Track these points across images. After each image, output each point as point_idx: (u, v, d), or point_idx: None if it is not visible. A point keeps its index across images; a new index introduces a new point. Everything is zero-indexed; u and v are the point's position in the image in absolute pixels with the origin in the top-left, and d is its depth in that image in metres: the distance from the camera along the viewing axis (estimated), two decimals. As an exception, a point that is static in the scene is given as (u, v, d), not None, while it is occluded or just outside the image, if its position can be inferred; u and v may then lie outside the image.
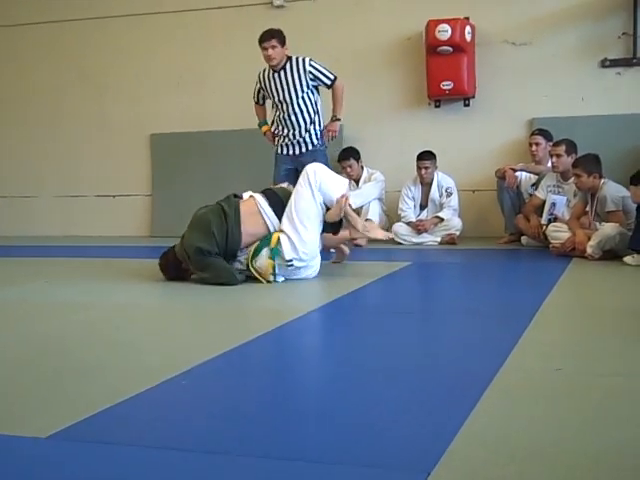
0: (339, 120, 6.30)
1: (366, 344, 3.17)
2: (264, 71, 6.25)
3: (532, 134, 6.60)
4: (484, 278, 5.11)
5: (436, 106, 7.27)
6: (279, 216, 4.61)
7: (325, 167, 4.81)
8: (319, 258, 4.68)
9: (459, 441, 1.92)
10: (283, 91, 6.13)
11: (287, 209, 4.59)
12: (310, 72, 6.10)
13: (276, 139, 6.35)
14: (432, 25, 6.87)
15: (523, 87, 7.04)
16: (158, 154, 8.24)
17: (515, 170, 6.54)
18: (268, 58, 6.06)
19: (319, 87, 6.21)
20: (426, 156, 6.79)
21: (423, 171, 6.80)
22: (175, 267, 4.70)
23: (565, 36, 6.96)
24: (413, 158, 6.83)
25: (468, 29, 6.92)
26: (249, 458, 1.87)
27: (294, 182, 6.14)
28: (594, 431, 2.00)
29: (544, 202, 6.16)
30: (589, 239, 5.39)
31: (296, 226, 4.53)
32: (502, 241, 6.63)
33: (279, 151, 6.34)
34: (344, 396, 2.40)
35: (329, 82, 6.18)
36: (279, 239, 4.53)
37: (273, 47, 6.00)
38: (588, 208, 5.70)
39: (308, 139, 6.21)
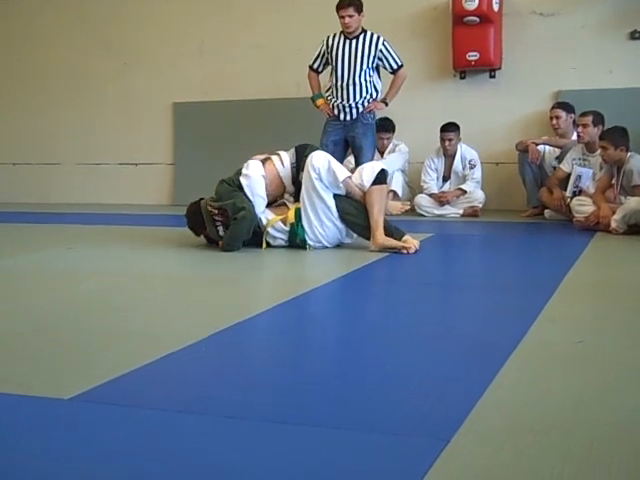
0: (386, 105, 6.27)
1: (387, 314, 3.17)
2: (334, 35, 6.18)
3: (552, 107, 6.52)
4: (506, 251, 5.08)
5: (461, 77, 7.19)
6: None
7: (325, 155, 4.72)
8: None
9: (479, 410, 1.91)
10: (350, 59, 6.08)
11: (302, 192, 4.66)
12: (381, 50, 6.08)
13: (330, 106, 6.27)
14: (459, -6, 6.77)
15: (550, 59, 6.94)
16: (180, 123, 8.24)
17: (537, 144, 6.48)
18: (345, 26, 6.02)
19: (380, 69, 6.18)
20: (450, 128, 6.74)
21: (447, 143, 6.75)
22: (200, 217, 4.73)
23: (594, 6, 6.84)
24: (437, 130, 6.78)
25: (496, -1, 6.82)
26: (267, 423, 1.87)
27: (342, 153, 6.18)
28: (613, 402, 1.99)
29: (569, 175, 6.10)
30: (614, 213, 5.33)
31: (309, 217, 4.64)
32: (525, 214, 6.58)
33: (330, 115, 6.26)
34: (365, 364, 2.40)
35: (395, 66, 6.18)
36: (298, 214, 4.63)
37: (350, 16, 5.98)
38: (614, 181, 5.64)
39: (361, 107, 6.15)
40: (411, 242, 4.50)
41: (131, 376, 2.23)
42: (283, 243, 4.74)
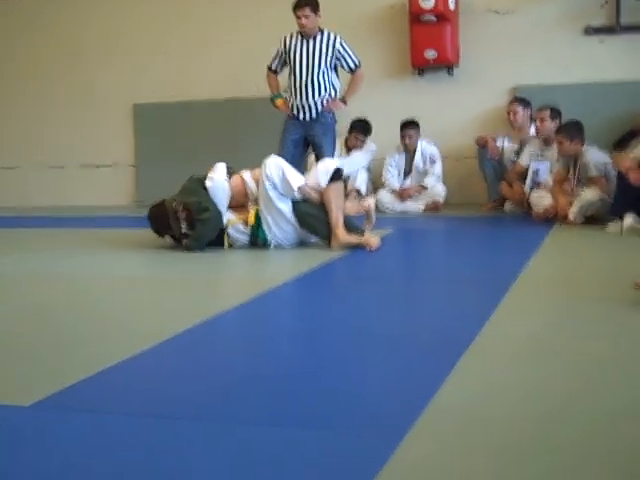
0: (345, 104, 6.28)
1: (348, 311, 3.20)
2: (291, 36, 6.17)
3: (510, 102, 6.62)
4: (467, 245, 5.15)
5: (420, 75, 7.26)
6: None
7: (280, 161, 4.75)
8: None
9: (434, 405, 1.95)
10: (307, 59, 6.07)
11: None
12: (338, 50, 6.07)
13: (289, 106, 6.27)
14: (415, -7, 6.83)
15: (507, 55, 7.02)
16: (141, 124, 8.20)
17: (496, 140, 6.56)
18: (301, 26, 6.03)
19: (338, 69, 6.19)
20: (410, 125, 6.81)
21: (407, 139, 6.81)
22: (163, 218, 4.73)
23: (549, 4, 6.93)
24: (397, 126, 6.84)
25: (452, -3, 6.89)
26: (229, 424, 1.89)
27: (302, 153, 6.19)
28: (568, 394, 2.04)
29: (527, 169, 6.19)
30: (571, 205, 5.43)
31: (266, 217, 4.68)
32: (485, 208, 6.66)
33: (289, 115, 6.27)
34: (323, 363, 2.43)
35: (353, 66, 6.17)
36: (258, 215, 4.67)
37: (306, 16, 5.96)
38: (571, 174, 5.74)
39: (320, 106, 6.18)
40: (373, 238, 4.54)
41: (93, 380, 2.24)
42: (246, 243, 4.76)
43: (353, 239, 4.51)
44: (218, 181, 4.69)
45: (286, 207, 4.64)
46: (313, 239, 4.79)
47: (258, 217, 4.67)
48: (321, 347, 2.63)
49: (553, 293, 3.38)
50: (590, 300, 3.11)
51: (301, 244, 4.78)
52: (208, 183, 4.69)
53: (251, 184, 4.77)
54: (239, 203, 4.80)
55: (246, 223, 4.72)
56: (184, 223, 4.65)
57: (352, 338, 2.70)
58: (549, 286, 3.55)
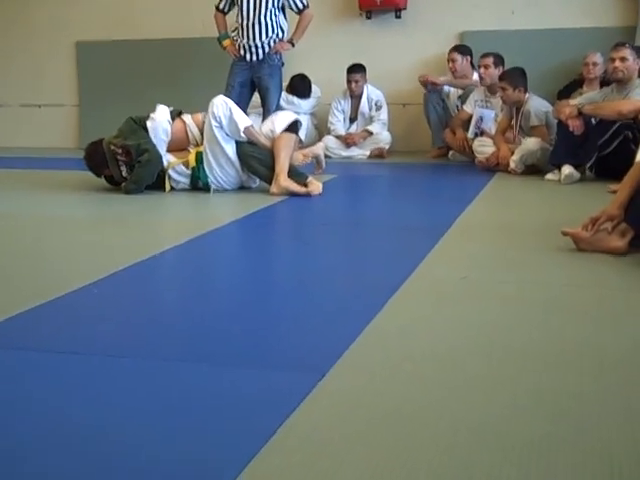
0: (293, 45, 6.22)
1: (283, 255, 3.23)
2: None
3: (449, 51, 6.60)
4: (408, 192, 5.19)
5: (367, 17, 7.19)
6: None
7: (228, 101, 4.70)
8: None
9: (358, 344, 2.00)
10: None
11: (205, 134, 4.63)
12: None
13: (236, 47, 6.19)
14: None
15: (455, 0, 7.00)
16: (84, 63, 8.01)
17: (437, 84, 6.55)
18: None
19: (285, 9, 6.12)
20: (356, 69, 6.75)
21: (353, 84, 6.77)
22: (100, 157, 4.67)
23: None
24: (343, 70, 6.78)
25: (400, -64, 6.81)
26: (151, 360, 1.92)
27: (249, 95, 6.13)
28: (491, 333, 2.10)
29: (471, 116, 6.22)
30: (513, 154, 5.49)
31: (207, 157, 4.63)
32: (430, 155, 6.69)
33: (236, 56, 6.19)
34: (254, 305, 2.46)
35: (301, 6, 6.13)
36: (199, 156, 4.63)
37: None
38: (513, 122, 5.78)
39: (267, 47, 6.09)
40: (314, 185, 4.55)
41: (19, 318, 2.23)
42: (186, 186, 4.74)
43: (294, 186, 4.50)
44: (160, 121, 4.64)
45: (230, 148, 4.61)
46: (254, 184, 4.78)
47: (200, 159, 4.64)
48: (253, 291, 2.64)
49: (483, 240, 3.38)
50: (519, 247, 3.18)
51: (242, 189, 4.77)
52: (149, 123, 4.63)
53: (193, 128, 4.73)
54: (179, 147, 4.75)
55: (187, 165, 4.68)
56: (124, 166, 4.60)
57: (283, 283, 2.73)
58: (480, 234, 3.54)
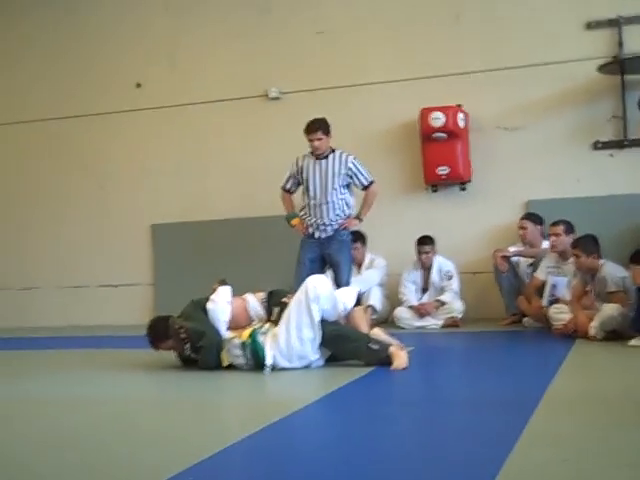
0: (360, 221, 6.42)
1: (370, 435, 3.14)
2: (304, 157, 6.36)
3: (521, 218, 6.72)
4: (487, 363, 5.07)
5: (433, 191, 7.38)
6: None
7: (327, 281, 4.86)
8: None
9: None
10: (321, 179, 6.23)
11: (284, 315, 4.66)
12: (350, 168, 6.25)
13: (304, 225, 6.37)
14: (425, 113, 7.06)
15: (518, 170, 7.17)
16: (159, 244, 8.33)
17: (507, 257, 6.61)
18: (314, 148, 6.21)
19: (351, 186, 6.34)
20: (426, 241, 6.88)
21: (423, 256, 6.87)
22: (165, 330, 4.75)
23: (557, 120, 7.12)
24: (411, 242, 6.90)
25: (461, 116, 7.09)
26: None
27: (319, 270, 6.23)
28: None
29: (544, 283, 6.19)
30: (591, 320, 5.40)
31: (288, 329, 4.58)
32: (504, 323, 6.63)
33: (305, 234, 6.37)
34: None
35: (365, 183, 6.36)
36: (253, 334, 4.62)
37: (319, 139, 6.17)
38: (589, 288, 5.72)
39: (336, 224, 6.27)
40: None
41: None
42: (242, 362, 4.64)
43: (383, 335, 4.72)
44: (219, 303, 4.75)
45: (318, 317, 4.57)
46: (321, 362, 4.70)
47: (254, 335, 4.59)
48: (345, 473, 2.57)
49: (578, 416, 3.25)
50: (616, 424, 3.03)
51: (319, 366, 4.70)
52: (209, 305, 4.75)
53: (253, 305, 4.83)
54: (239, 325, 4.80)
55: (240, 339, 4.62)
56: (188, 344, 4.69)
57: (375, 463, 2.64)
58: (573, 409, 3.41)
